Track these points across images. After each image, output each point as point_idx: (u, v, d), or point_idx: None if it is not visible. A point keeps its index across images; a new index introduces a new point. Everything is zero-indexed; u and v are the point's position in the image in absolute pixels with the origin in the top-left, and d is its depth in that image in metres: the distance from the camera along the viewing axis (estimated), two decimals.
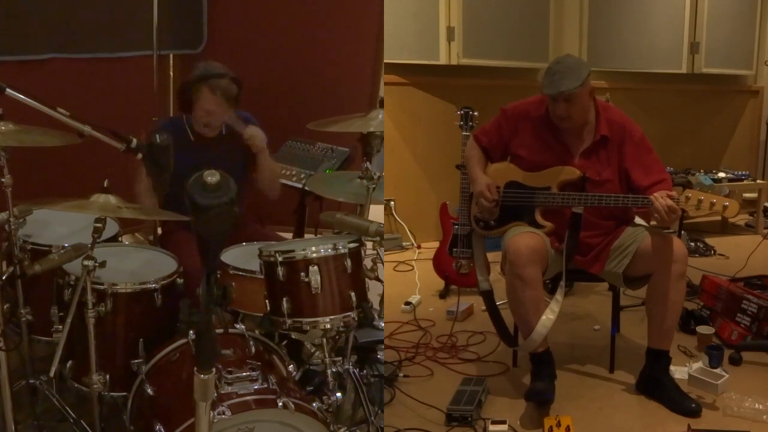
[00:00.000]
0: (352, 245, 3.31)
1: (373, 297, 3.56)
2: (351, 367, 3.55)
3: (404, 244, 6.88)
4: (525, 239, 3.68)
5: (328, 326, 3.25)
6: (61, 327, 3.24)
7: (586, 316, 5.00)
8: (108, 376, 3.32)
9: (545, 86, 3.69)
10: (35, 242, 3.61)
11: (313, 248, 3.25)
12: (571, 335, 4.64)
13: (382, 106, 4.05)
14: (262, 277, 3.37)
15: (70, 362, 3.41)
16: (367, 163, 3.72)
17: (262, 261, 3.34)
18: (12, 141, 3.15)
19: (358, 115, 4.05)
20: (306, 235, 4.69)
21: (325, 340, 3.31)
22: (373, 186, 3.63)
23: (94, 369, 3.23)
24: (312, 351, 3.87)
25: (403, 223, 6.88)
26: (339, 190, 3.90)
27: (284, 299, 3.23)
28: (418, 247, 6.83)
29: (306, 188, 4.53)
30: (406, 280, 5.92)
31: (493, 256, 4.17)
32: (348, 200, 3.91)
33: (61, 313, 3.37)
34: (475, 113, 5.10)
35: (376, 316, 4.95)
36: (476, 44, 6.66)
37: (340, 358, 3.53)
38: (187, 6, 5.55)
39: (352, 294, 3.27)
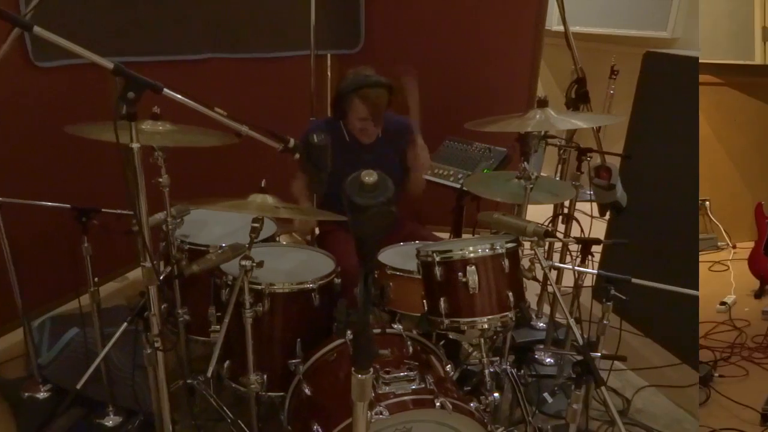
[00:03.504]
0: (509, 245, 3.23)
1: (531, 297, 3.49)
2: (508, 367, 3.54)
3: (719, 244, 6.78)
4: None
5: (486, 326, 3.16)
6: (218, 327, 3.27)
7: None
8: (265, 376, 3.34)
9: None
10: (192, 242, 3.66)
11: (471, 248, 3.17)
12: None
13: (542, 106, 3.95)
14: (420, 277, 3.32)
15: (227, 362, 3.45)
16: (525, 163, 3.65)
17: (420, 261, 3.29)
18: (169, 141, 3.18)
19: (516, 115, 3.97)
20: (463, 236, 4.64)
21: (482, 340, 3.23)
22: (531, 186, 3.55)
23: (251, 369, 3.25)
24: (469, 351, 3.84)
25: (718, 223, 6.77)
26: (496, 190, 3.83)
27: (442, 299, 3.17)
28: (734, 247, 6.71)
29: (463, 188, 4.49)
30: (721, 280, 5.84)
31: None
32: (505, 200, 3.84)
33: (219, 313, 3.40)
34: None
35: (533, 316, 4.88)
36: None
37: (498, 358, 3.51)
38: (345, 7, 5.59)
39: (510, 294, 3.18)
